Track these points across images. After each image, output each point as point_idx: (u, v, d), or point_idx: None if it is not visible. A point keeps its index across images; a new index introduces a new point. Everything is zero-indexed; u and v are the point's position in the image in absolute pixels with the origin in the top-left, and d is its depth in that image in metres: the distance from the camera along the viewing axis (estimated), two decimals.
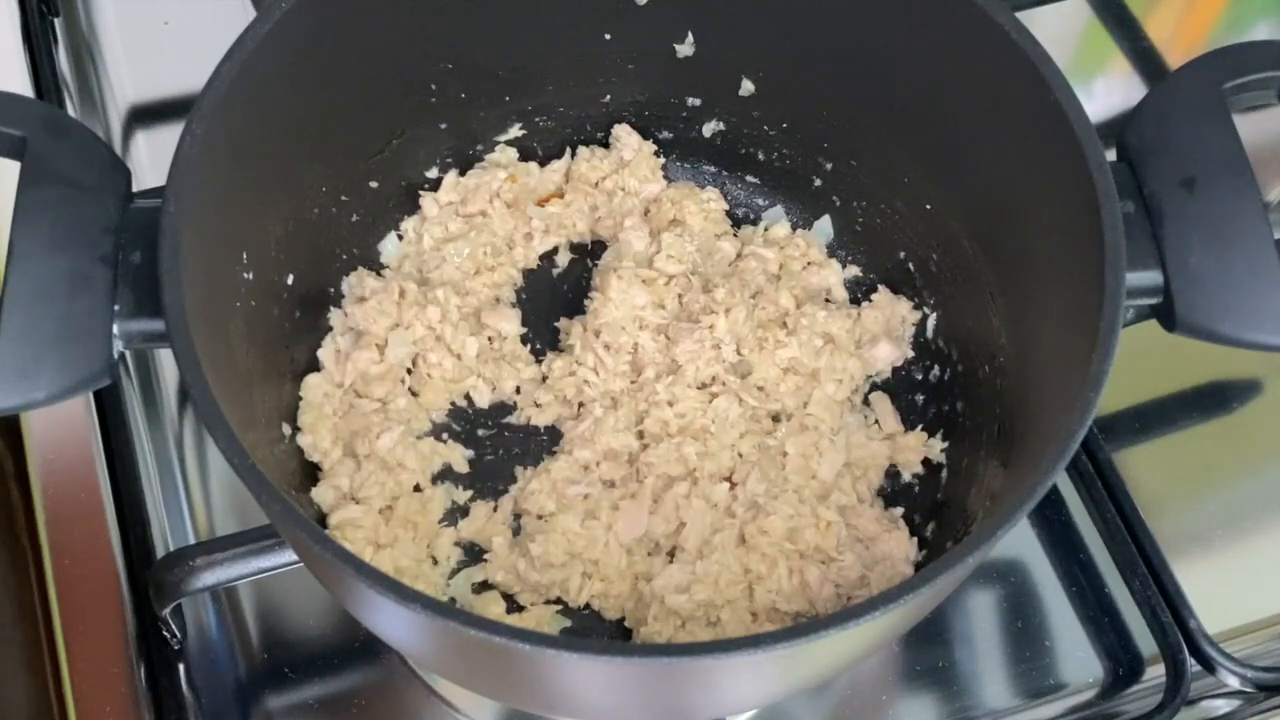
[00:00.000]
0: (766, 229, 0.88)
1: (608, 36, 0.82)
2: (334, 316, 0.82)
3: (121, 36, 1.05)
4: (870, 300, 0.85)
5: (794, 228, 0.89)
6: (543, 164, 0.89)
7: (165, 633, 0.77)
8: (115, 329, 0.60)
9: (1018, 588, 0.84)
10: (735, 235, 0.89)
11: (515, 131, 0.88)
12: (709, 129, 0.88)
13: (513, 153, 0.88)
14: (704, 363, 0.81)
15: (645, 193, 0.88)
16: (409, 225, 0.87)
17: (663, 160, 0.90)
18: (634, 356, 0.82)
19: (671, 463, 0.78)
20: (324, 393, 0.79)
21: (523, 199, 0.87)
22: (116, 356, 0.60)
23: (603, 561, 0.76)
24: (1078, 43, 1.11)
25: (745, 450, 0.79)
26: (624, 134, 0.88)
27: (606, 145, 0.89)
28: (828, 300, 0.86)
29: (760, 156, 0.88)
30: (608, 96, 0.87)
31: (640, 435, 0.80)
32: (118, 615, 0.78)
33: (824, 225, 0.88)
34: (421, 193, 0.87)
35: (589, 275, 0.88)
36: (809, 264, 0.87)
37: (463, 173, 0.87)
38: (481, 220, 0.86)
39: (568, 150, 0.89)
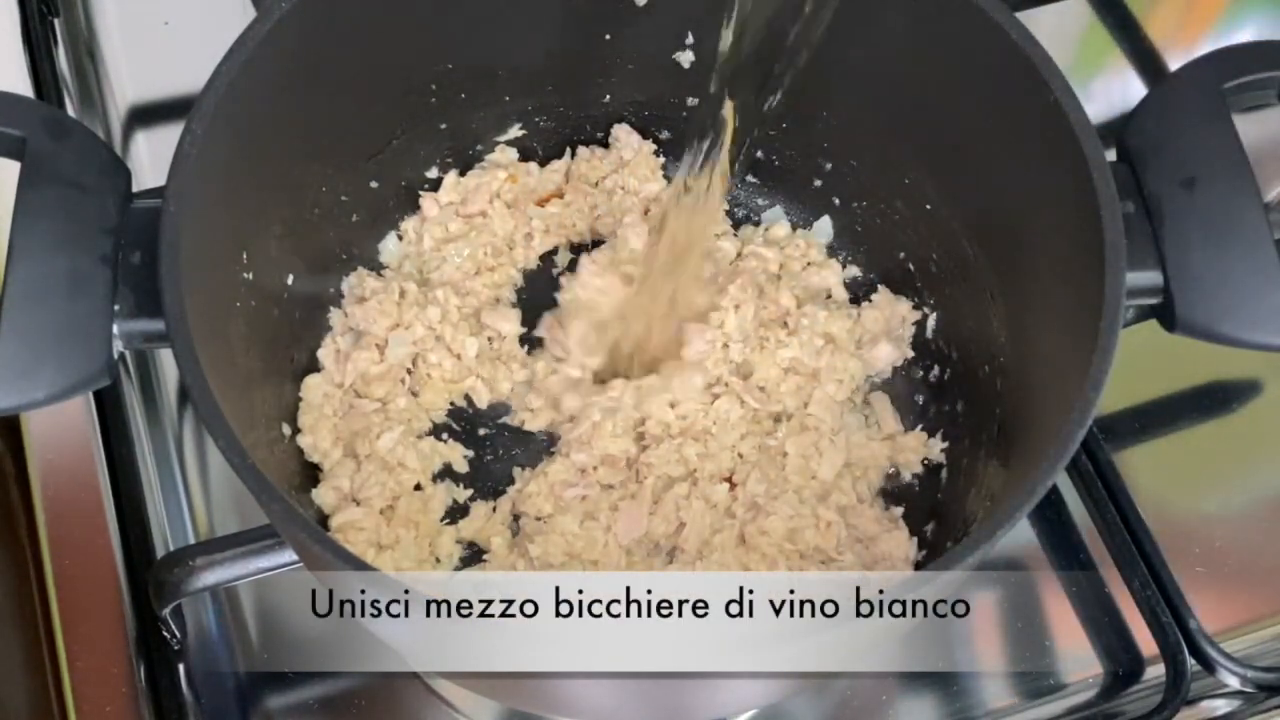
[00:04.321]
0: (767, 229, 0.88)
1: (608, 37, 0.82)
2: (334, 316, 0.82)
3: (121, 36, 1.05)
4: (870, 300, 0.85)
5: (794, 228, 0.89)
6: (543, 164, 0.89)
7: (165, 633, 0.77)
8: (115, 329, 0.60)
9: (1018, 588, 0.84)
10: (735, 235, 0.89)
11: (515, 131, 0.88)
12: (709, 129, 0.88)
13: (513, 153, 0.88)
14: (712, 363, 0.81)
15: (645, 192, 0.88)
16: (409, 225, 0.87)
17: (662, 160, 0.90)
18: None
19: (672, 463, 0.78)
20: (324, 393, 0.79)
21: (522, 199, 0.87)
22: (116, 356, 0.60)
23: (602, 562, 0.75)
24: (1078, 43, 1.11)
25: (745, 451, 0.79)
26: (624, 134, 0.88)
27: (606, 145, 0.89)
28: (828, 299, 0.86)
29: (760, 156, 0.88)
30: (607, 97, 0.87)
31: (640, 438, 0.80)
32: (118, 615, 0.78)
33: (824, 225, 0.88)
34: (421, 193, 0.87)
35: None
36: (809, 264, 0.87)
37: (463, 173, 0.87)
38: (481, 220, 0.86)
39: (568, 150, 0.89)
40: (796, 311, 0.83)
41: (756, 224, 0.90)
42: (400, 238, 0.87)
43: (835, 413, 0.81)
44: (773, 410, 0.81)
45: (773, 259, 0.86)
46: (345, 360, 0.80)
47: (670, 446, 0.78)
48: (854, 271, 0.88)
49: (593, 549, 0.76)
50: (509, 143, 0.88)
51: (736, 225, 0.90)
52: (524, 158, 0.89)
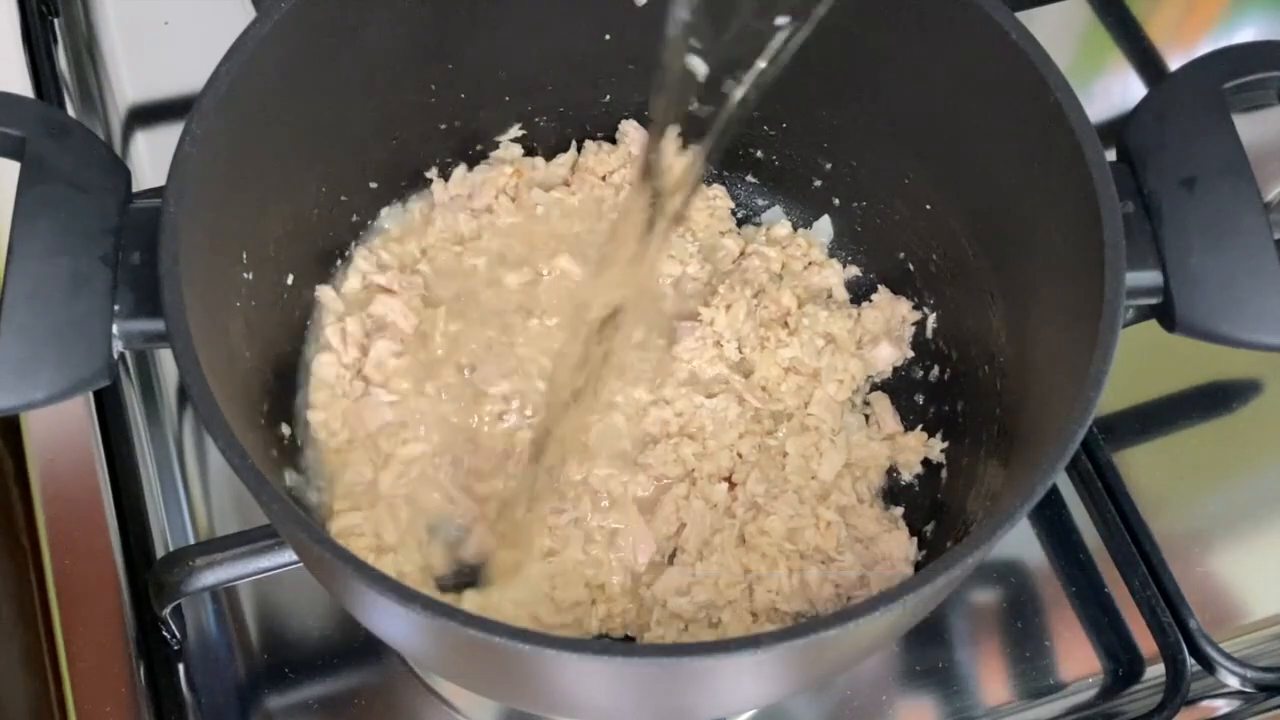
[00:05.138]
0: (768, 229, 0.88)
1: (607, 37, 0.82)
2: (322, 293, 0.81)
3: (121, 36, 1.05)
4: (870, 300, 0.85)
5: (794, 228, 0.89)
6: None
7: (165, 633, 0.77)
8: (115, 329, 0.60)
9: (1018, 588, 0.84)
10: (738, 233, 0.88)
11: (515, 131, 0.88)
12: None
13: (518, 149, 0.88)
14: (707, 361, 0.80)
15: None
16: (415, 208, 0.86)
17: None
18: None
19: (669, 463, 0.78)
20: (335, 373, 0.79)
21: (525, 193, 0.87)
22: (116, 356, 0.60)
23: (608, 584, 0.75)
24: (1078, 43, 1.11)
25: (745, 451, 0.79)
26: (631, 129, 0.88)
27: (614, 141, 0.89)
28: (829, 299, 0.86)
29: (760, 156, 0.88)
30: (608, 97, 0.87)
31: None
32: (118, 615, 0.78)
33: (824, 225, 0.88)
34: (434, 178, 0.86)
35: None
36: (810, 264, 0.86)
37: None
38: (488, 217, 0.86)
39: (574, 144, 0.89)
40: (797, 311, 0.83)
41: (757, 225, 0.90)
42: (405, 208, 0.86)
43: (836, 413, 0.81)
44: (773, 410, 0.81)
45: (775, 258, 0.85)
46: (354, 344, 0.80)
47: (667, 446, 0.78)
48: (854, 271, 0.87)
49: (601, 573, 0.75)
50: (509, 142, 0.88)
51: (739, 225, 0.89)
52: (526, 155, 0.89)
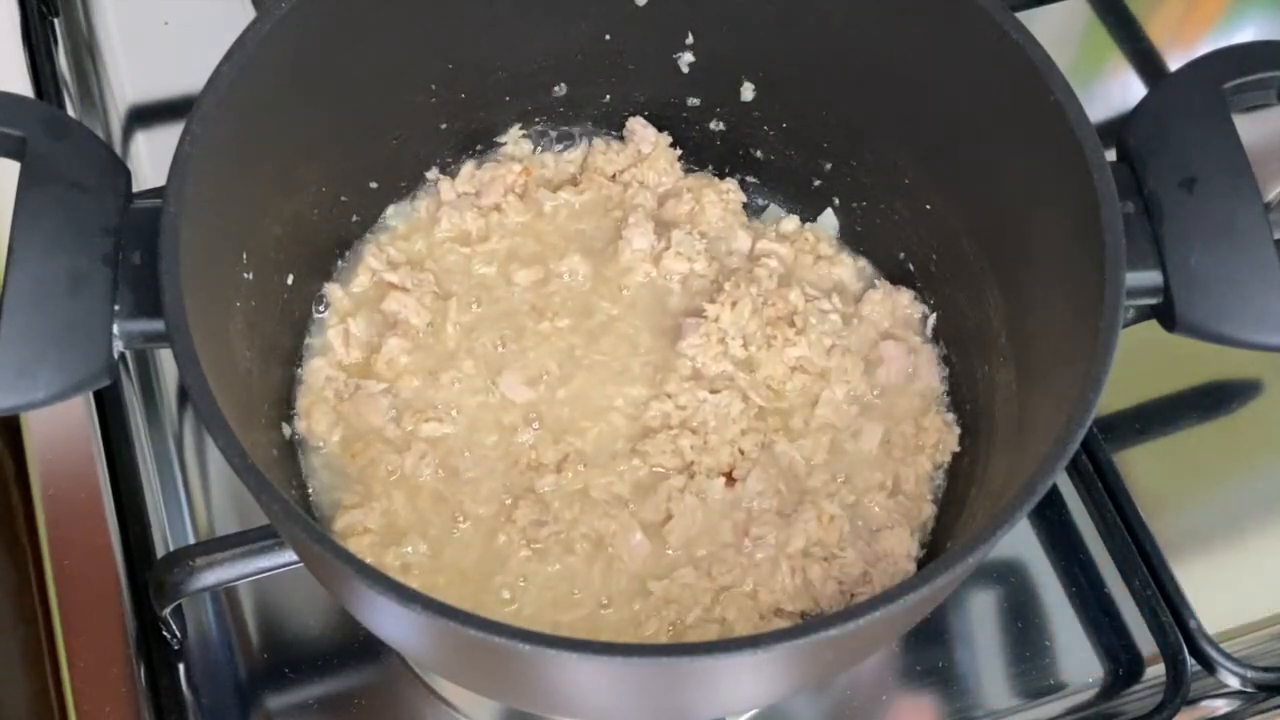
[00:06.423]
0: (778, 223, 0.88)
1: (607, 37, 0.82)
2: (330, 291, 0.82)
3: (121, 36, 1.06)
4: (870, 294, 0.85)
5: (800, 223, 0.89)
6: None
7: (165, 633, 0.77)
8: (115, 329, 0.60)
9: (1018, 588, 0.84)
10: (750, 228, 0.88)
11: (515, 132, 0.88)
12: (709, 129, 0.88)
13: (527, 145, 0.88)
14: (711, 358, 0.80)
15: (663, 186, 0.88)
16: (421, 205, 0.86)
17: (679, 153, 0.89)
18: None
19: (667, 454, 0.77)
20: (326, 376, 0.79)
21: (533, 189, 0.87)
22: (116, 356, 0.60)
23: (614, 594, 0.75)
24: (1078, 43, 1.11)
25: (746, 447, 0.79)
26: (639, 127, 0.88)
27: (620, 139, 0.89)
28: (837, 291, 0.85)
29: (760, 156, 0.88)
30: (607, 97, 0.87)
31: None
32: (118, 615, 0.78)
33: (828, 219, 0.88)
34: (441, 176, 0.86)
35: None
36: (819, 258, 0.86)
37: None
38: (497, 216, 0.86)
39: (584, 140, 0.89)
40: (805, 309, 0.82)
41: (761, 224, 0.90)
42: (412, 202, 0.86)
43: (843, 413, 0.80)
44: (778, 407, 0.80)
45: (786, 254, 0.85)
46: (358, 344, 0.80)
47: (666, 437, 0.78)
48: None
49: (608, 585, 0.75)
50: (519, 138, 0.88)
51: None
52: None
